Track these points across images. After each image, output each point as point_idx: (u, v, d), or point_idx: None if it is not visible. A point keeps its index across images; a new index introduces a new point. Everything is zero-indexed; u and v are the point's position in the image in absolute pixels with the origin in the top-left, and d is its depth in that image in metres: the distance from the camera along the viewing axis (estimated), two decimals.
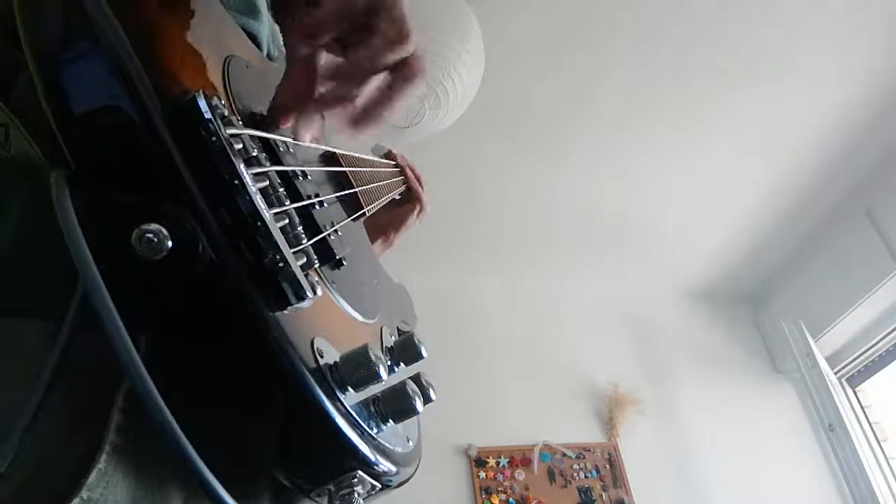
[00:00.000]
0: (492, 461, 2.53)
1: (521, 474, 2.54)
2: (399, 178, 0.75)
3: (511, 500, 2.48)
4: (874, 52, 2.18)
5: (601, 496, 2.56)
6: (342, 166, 0.51)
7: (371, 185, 0.58)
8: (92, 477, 0.23)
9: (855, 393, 2.99)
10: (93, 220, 0.23)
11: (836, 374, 2.92)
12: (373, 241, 0.72)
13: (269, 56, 0.53)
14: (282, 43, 0.58)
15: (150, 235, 0.23)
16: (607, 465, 2.64)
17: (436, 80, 1.65)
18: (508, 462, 2.55)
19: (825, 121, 2.42)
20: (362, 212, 0.52)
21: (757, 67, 2.18)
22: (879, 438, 2.84)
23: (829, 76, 2.25)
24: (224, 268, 0.25)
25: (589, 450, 2.67)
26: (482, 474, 2.50)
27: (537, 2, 1.94)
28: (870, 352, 2.89)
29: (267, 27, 0.53)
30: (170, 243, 0.23)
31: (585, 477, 2.59)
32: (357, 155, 0.59)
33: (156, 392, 0.22)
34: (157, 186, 0.25)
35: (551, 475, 2.57)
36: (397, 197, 0.74)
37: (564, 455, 2.62)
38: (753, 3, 1.99)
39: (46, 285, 0.28)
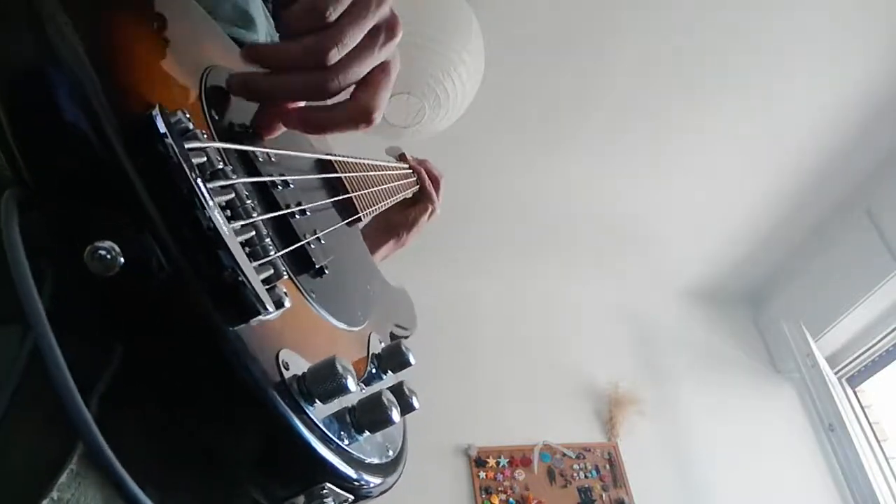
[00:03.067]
0: (492, 461, 2.53)
1: (521, 474, 2.54)
2: (411, 180, 0.75)
3: (511, 500, 2.48)
4: (873, 53, 2.18)
5: (601, 496, 2.56)
6: (336, 172, 0.51)
7: (371, 190, 0.58)
8: (63, 478, 0.23)
9: (855, 393, 2.99)
10: (48, 236, 0.24)
11: (836, 374, 2.92)
12: (385, 241, 0.72)
13: None
14: None
15: (103, 252, 0.23)
16: (607, 465, 2.65)
17: (436, 80, 1.65)
18: (508, 462, 2.55)
19: (824, 121, 2.42)
20: (357, 216, 0.52)
21: (756, 68, 2.18)
22: (879, 438, 2.84)
23: (828, 76, 2.25)
24: (179, 283, 0.25)
25: (589, 450, 2.67)
26: (482, 474, 2.50)
27: (538, 2, 1.94)
28: (870, 352, 2.89)
29: (263, 37, 0.52)
30: (122, 260, 0.23)
31: (585, 477, 2.59)
32: (359, 160, 0.59)
33: (103, 443, 0.22)
34: (113, 204, 0.25)
35: (551, 475, 2.57)
36: (408, 196, 0.74)
37: (564, 455, 2.62)
38: (753, 4, 1.99)
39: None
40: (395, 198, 0.67)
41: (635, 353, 3.05)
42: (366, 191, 0.56)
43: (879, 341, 2.83)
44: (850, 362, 2.96)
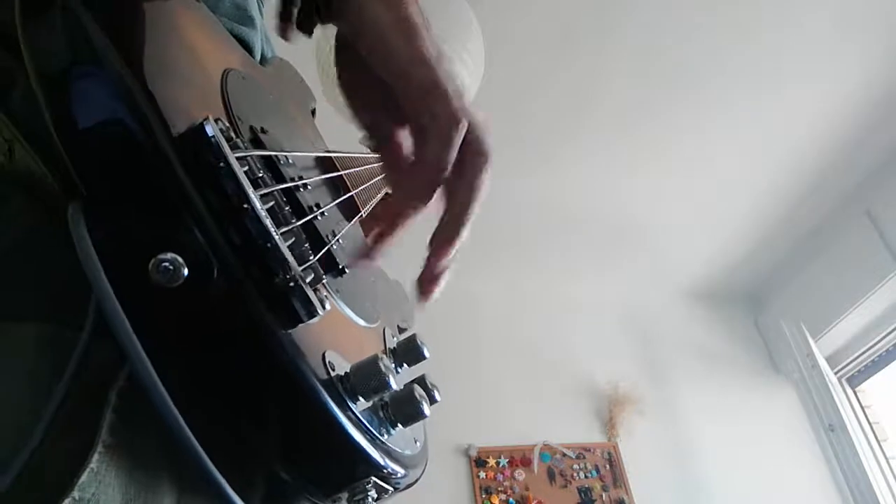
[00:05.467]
0: (492, 461, 2.54)
1: (521, 474, 2.54)
2: None
3: (511, 500, 2.48)
4: (873, 52, 2.18)
5: (601, 496, 2.56)
6: (337, 169, 0.52)
7: (366, 185, 0.59)
8: (84, 477, 0.23)
9: (855, 393, 2.99)
10: (109, 250, 0.24)
11: (836, 374, 2.92)
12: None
13: (263, 59, 0.53)
14: (273, 46, 0.58)
15: (167, 264, 0.23)
16: (607, 465, 2.65)
17: None
18: (508, 462, 2.55)
19: (824, 121, 2.42)
20: (359, 214, 0.53)
21: (756, 68, 2.19)
22: (879, 438, 2.84)
23: (827, 76, 2.25)
24: (238, 292, 0.25)
25: (589, 450, 2.67)
26: (482, 474, 2.50)
27: (538, 3, 1.94)
28: (870, 352, 2.89)
29: (260, 34, 0.53)
30: (186, 271, 0.23)
31: (585, 477, 2.60)
32: (351, 154, 0.59)
33: (168, 398, 0.23)
34: (169, 215, 0.25)
35: (551, 475, 2.57)
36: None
37: (564, 455, 2.62)
38: (752, 4, 1.99)
39: (43, 290, 0.28)
40: (384, 190, 0.68)
41: (635, 353, 3.05)
42: (363, 186, 0.57)
43: (879, 341, 2.83)
44: (850, 362, 2.96)
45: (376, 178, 0.66)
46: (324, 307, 0.28)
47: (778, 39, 2.10)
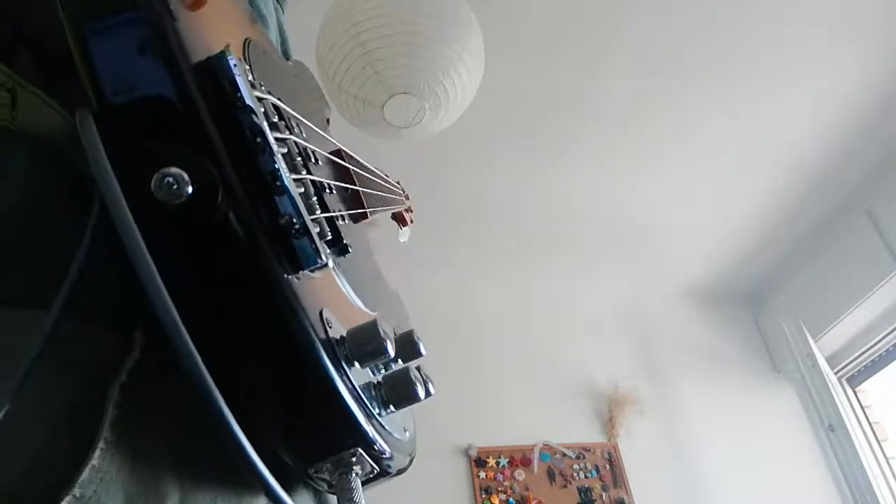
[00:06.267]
0: (492, 461, 2.54)
1: (521, 474, 2.54)
2: (399, 196, 0.75)
3: (511, 500, 2.48)
4: (873, 52, 2.18)
5: (601, 496, 2.56)
6: (346, 164, 0.51)
7: (372, 191, 0.58)
8: (85, 474, 0.23)
9: (855, 393, 2.99)
10: (113, 161, 0.23)
11: (836, 374, 2.92)
12: None
13: None
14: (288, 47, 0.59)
15: (171, 179, 0.23)
16: (607, 465, 2.65)
17: (436, 80, 1.64)
18: (508, 462, 2.55)
19: (825, 121, 2.42)
20: (363, 211, 0.52)
21: (756, 67, 2.19)
22: (879, 438, 2.84)
23: (828, 76, 2.25)
24: (242, 221, 0.25)
25: (589, 450, 2.67)
26: (482, 474, 2.50)
27: (538, 3, 1.94)
28: (870, 352, 2.89)
29: (273, 32, 0.53)
30: (189, 189, 0.23)
31: (585, 477, 2.60)
32: (362, 161, 0.59)
33: (186, 334, 0.22)
34: (180, 135, 0.25)
35: (551, 475, 2.57)
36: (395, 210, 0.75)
37: (564, 455, 2.62)
38: (752, 3, 1.99)
39: (38, 273, 0.27)
40: (387, 208, 0.68)
41: (635, 353, 3.05)
42: (369, 190, 0.56)
43: (879, 341, 2.83)
44: (850, 362, 2.96)
45: (382, 193, 0.66)
46: (326, 261, 0.27)
47: (778, 39, 2.10)
